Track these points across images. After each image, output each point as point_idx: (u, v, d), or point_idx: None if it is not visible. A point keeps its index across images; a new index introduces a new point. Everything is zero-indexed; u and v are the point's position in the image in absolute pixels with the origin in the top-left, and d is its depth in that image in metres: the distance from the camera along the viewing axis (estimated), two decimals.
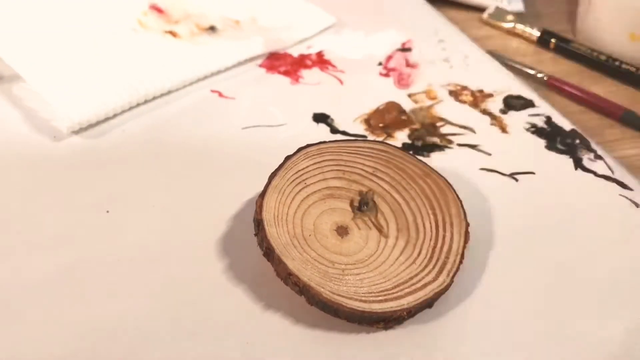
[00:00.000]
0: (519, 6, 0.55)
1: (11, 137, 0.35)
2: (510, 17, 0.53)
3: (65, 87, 0.37)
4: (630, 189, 0.35)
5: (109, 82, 0.38)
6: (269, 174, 0.30)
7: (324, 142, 0.32)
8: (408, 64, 0.45)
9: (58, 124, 0.35)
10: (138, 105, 0.38)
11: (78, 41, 0.41)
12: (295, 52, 0.45)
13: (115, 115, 0.37)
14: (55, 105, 0.36)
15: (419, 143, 0.38)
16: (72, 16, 0.44)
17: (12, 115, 0.37)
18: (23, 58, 0.39)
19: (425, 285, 0.27)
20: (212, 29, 0.45)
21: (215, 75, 0.42)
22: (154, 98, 0.39)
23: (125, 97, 0.37)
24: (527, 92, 0.43)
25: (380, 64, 0.45)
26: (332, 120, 0.39)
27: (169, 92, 0.40)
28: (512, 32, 0.53)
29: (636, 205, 0.34)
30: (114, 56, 0.41)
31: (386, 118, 0.39)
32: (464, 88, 0.43)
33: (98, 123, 0.37)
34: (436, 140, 0.38)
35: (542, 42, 0.51)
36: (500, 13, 0.54)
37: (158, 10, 0.47)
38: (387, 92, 0.42)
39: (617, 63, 0.47)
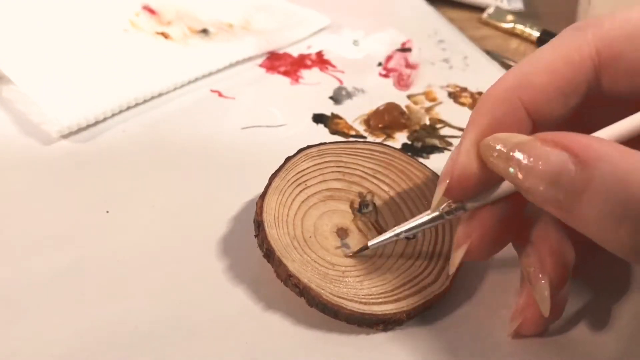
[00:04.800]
0: (518, 5, 0.56)
1: (8, 139, 0.35)
2: (510, 17, 0.53)
3: (55, 90, 0.37)
4: None
5: (98, 84, 0.38)
6: (269, 174, 0.30)
7: (324, 144, 0.32)
8: (408, 65, 0.45)
9: (48, 127, 0.35)
10: (129, 108, 0.38)
11: (68, 42, 0.41)
12: (295, 52, 0.45)
13: (112, 116, 0.37)
14: (44, 109, 0.35)
15: (419, 144, 0.38)
16: (63, 17, 0.43)
17: (6, 118, 0.36)
18: (12, 59, 0.38)
19: (424, 288, 0.27)
20: (204, 32, 0.45)
21: (215, 75, 0.42)
22: (145, 101, 0.38)
23: (114, 100, 0.37)
24: None
25: (380, 64, 0.45)
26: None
27: (160, 95, 0.39)
28: (511, 32, 0.53)
29: None
30: (104, 57, 0.40)
31: (386, 119, 0.39)
32: (464, 90, 0.43)
33: (97, 123, 0.36)
34: (436, 142, 0.38)
35: (542, 42, 0.51)
36: (500, 13, 0.54)
37: (150, 11, 0.46)
38: (386, 92, 0.42)
39: None
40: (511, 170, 0.21)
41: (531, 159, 0.20)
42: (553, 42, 0.24)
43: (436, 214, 0.25)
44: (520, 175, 0.20)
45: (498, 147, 0.21)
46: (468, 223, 0.24)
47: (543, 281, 0.24)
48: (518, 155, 0.20)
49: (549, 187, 0.20)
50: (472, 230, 0.24)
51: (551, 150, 0.20)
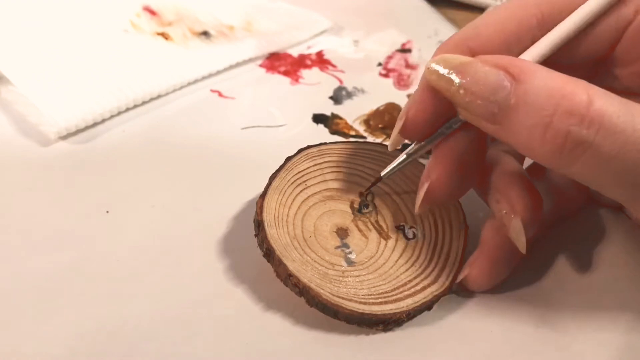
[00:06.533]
0: None
1: (7, 140, 0.35)
2: None
3: (53, 91, 0.36)
4: None
5: (97, 86, 0.37)
6: (269, 174, 0.30)
7: (325, 144, 0.32)
8: (408, 65, 0.45)
9: (46, 129, 0.35)
10: (127, 109, 0.38)
11: (68, 42, 0.41)
12: (295, 52, 0.45)
13: (111, 117, 0.37)
14: (43, 110, 0.35)
15: None
16: (63, 17, 0.43)
17: (4, 119, 0.36)
18: (11, 60, 0.38)
19: (424, 288, 0.27)
20: (205, 34, 0.45)
21: (215, 75, 0.42)
22: (144, 102, 0.38)
23: (114, 102, 0.37)
24: None
25: (379, 64, 0.45)
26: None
27: (159, 97, 0.39)
28: None
29: None
30: (104, 58, 0.40)
31: (386, 119, 0.39)
32: None
33: (95, 124, 0.36)
34: None
35: None
36: None
37: (151, 12, 0.46)
38: (386, 92, 0.42)
39: None
40: (453, 87, 0.23)
41: (472, 77, 0.23)
42: (504, 2, 0.27)
43: (404, 156, 0.27)
44: (461, 91, 0.23)
45: (442, 66, 0.23)
46: (429, 163, 0.26)
47: (515, 221, 0.26)
48: (460, 73, 0.23)
49: (486, 102, 0.22)
50: (432, 169, 0.26)
51: (490, 70, 0.22)
